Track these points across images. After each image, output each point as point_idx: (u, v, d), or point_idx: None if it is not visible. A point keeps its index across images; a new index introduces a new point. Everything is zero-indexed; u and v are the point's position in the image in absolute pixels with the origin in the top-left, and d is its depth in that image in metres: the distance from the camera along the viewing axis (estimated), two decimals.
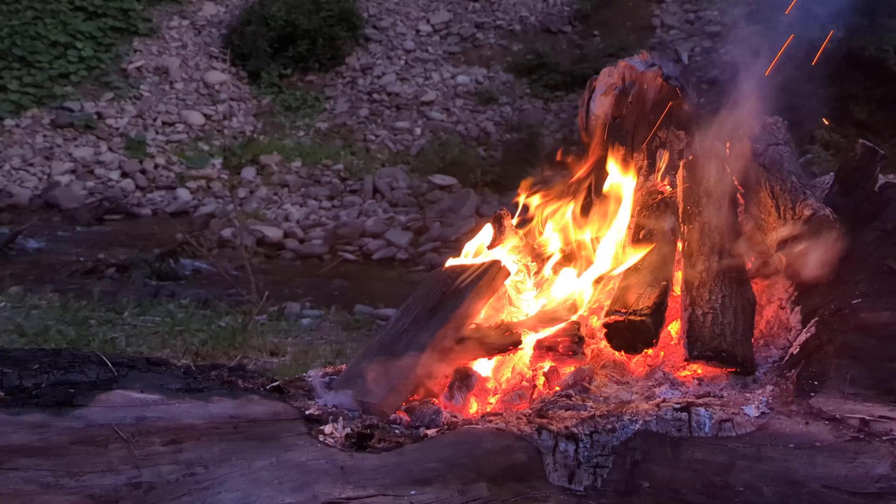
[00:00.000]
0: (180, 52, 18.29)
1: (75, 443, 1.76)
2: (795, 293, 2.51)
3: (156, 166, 15.87)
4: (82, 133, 16.33)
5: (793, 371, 2.25)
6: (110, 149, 16.16)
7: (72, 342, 5.53)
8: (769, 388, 2.23)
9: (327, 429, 2.04)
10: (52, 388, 1.86)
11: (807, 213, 2.42)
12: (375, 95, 17.58)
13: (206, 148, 16.49)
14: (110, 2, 18.09)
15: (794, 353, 2.34)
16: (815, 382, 2.18)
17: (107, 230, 13.68)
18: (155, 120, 16.93)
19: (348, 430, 2.04)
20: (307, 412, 2.09)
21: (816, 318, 2.36)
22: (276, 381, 2.28)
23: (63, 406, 1.80)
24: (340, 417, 2.09)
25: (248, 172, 15.32)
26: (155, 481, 1.78)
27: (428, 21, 19.13)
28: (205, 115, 17.20)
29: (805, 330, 2.38)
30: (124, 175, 15.58)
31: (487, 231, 2.78)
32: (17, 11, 17.27)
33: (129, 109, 16.97)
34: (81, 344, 5.46)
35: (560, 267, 2.80)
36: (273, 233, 13.07)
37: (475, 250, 2.74)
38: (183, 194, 15.06)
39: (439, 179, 14.87)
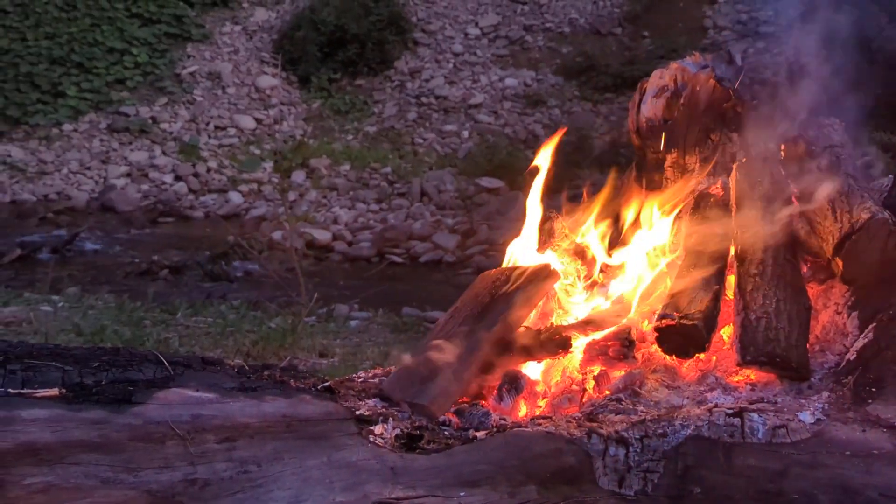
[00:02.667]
0: (232, 57, 18.60)
1: (133, 439, 1.80)
2: (853, 298, 2.46)
3: (208, 170, 16.15)
4: (137, 137, 16.70)
5: (849, 377, 2.20)
6: (164, 153, 16.49)
7: (127, 342, 5.64)
8: (825, 394, 2.19)
9: (377, 429, 2.05)
10: (111, 386, 1.90)
11: (864, 216, 2.37)
12: (423, 99, 17.65)
13: (257, 152, 16.73)
14: (165, 8, 18.50)
15: (851, 358, 2.29)
16: (873, 389, 2.13)
17: (160, 232, 13.96)
18: (207, 124, 17.23)
19: (398, 430, 2.05)
20: (357, 412, 2.11)
21: (874, 324, 2.31)
22: (327, 381, 2.30)
23: (122, 403, 1.83)
24: (390, 418, 2.10)
25: (298, 176, 15.50)
26: (210, 478, 1.81)
27: (476, 24, 19.15)
28: (256, 120, 17.46)
29: (862, 335, 2.33)
30: (177, 178, 15.88)
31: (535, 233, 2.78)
32: (75, 19, 17.75)
33: (183, 114, 17.30)
34: (136, 343, 5.57)
35: (610, 271, 2.78)
36: (322, 235, 13.19)
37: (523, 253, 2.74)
38: (234, 197, 15.29)
39: (487, 182, 14.86)
